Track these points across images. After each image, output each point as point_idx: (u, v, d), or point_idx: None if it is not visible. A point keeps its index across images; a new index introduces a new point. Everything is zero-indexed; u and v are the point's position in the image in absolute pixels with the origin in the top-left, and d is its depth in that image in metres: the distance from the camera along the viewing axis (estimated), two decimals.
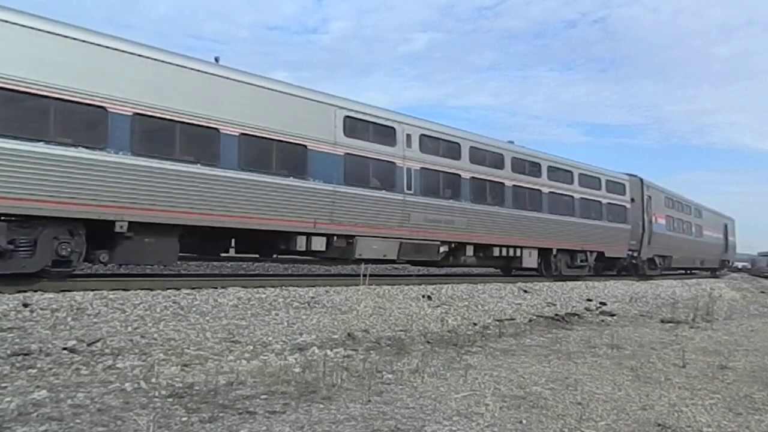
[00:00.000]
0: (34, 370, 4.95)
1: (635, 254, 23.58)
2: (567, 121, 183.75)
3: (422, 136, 14.57)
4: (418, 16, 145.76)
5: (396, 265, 19.75)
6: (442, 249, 15.16)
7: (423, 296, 11.76)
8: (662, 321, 11.66)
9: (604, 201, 21.25)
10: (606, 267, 22.39)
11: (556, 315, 11.31)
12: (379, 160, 13.53)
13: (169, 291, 9.36)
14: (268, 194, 11.34)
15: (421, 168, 14.33)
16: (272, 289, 10.62)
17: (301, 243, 12.04)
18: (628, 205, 22.59)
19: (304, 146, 12.01)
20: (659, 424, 4.46)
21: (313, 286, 11.44)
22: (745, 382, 6.17)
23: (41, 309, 7.43)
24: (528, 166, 18.01)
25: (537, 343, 8.19)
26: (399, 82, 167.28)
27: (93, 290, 8.71)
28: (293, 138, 11.83)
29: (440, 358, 6.54)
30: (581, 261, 20.08)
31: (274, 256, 14.04)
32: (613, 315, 12.26)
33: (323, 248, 12.42)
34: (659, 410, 4.87)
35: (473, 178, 15.79)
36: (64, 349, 5.70)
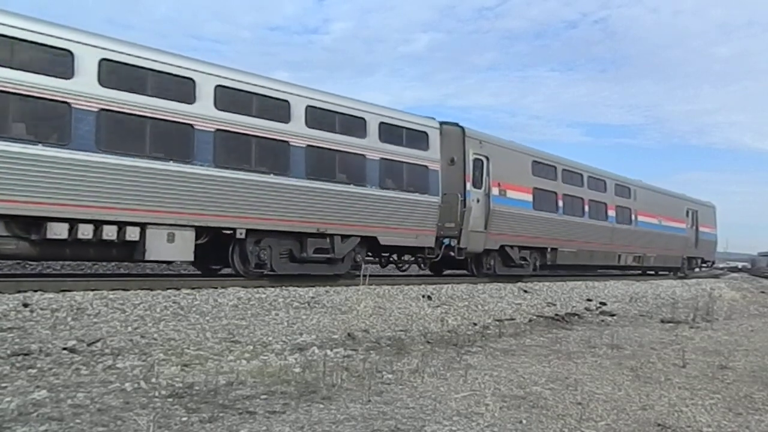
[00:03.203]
0: (34, 370, 4.95)
1: (453, 243, 15.29)
2: (567, 121, 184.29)
3: None
4: (419, 16, 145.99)
5: (397, 265, 18.42)
6: None
7: (423, 296, 11.76)
8: (662, 321, 11.66)
9: (374, 156, 13.22)
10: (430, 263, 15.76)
11: (556, 315, 11.31)
12: None
13: (169, 291, 9.37)
14: None
15: None
16: (272, 289, 10.62)
17: None
18: (434, 167, 14.54)
19: None
20: (659, 424, 4.47)
21: (313, 286, 11.42)
22: (745, 382, 6.17)
23: (41, 309, 7.43)
24: (153, 79, 9.92)
25: (537, 343, 8.19)
26: (400, 82, 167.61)
27: (93, 290, 8.72)
28: None
29: (440, 358, 6.54)
30: (316, 251, 12.32)
31: None
32: (613, 315, 12.26)
33: None
34: (659, 410, 4.87)
35: None
36: (64, 349, 5.70)
